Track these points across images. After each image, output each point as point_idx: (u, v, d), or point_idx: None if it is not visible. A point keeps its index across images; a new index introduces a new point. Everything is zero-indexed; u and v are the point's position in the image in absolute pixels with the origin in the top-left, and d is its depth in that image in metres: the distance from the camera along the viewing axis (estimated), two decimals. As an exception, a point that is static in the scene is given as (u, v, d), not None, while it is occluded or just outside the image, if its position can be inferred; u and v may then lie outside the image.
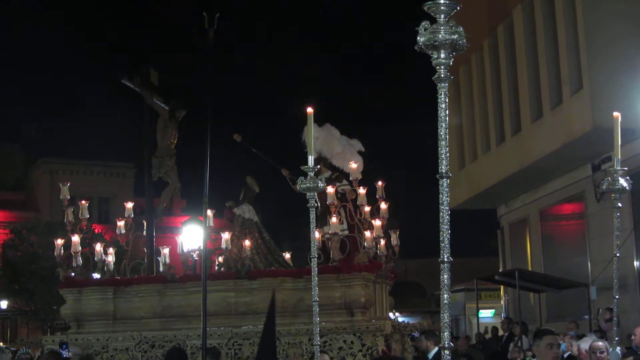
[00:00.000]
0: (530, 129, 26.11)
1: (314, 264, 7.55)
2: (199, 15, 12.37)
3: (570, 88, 23.16)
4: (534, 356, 7.96)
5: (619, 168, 7.22)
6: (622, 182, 7.25)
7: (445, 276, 3.91)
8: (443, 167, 3.88)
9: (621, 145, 7.19)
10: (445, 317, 3.94)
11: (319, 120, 16.18)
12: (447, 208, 3.89)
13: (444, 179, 3.87)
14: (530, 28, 25.97)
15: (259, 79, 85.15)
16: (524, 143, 26.48)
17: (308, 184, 7.14)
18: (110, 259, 16.11)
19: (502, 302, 34.66)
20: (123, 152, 59.95)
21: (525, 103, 26.46)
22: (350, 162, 15.79)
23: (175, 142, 17.34)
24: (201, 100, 13.57)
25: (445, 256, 3.89)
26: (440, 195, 3.88)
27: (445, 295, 3.93)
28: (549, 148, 24.46)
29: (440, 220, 3.89)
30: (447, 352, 3.90)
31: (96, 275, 16.67)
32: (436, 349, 12.78)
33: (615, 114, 7.32)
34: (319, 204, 7.55)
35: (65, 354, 13.90)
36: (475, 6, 27.15)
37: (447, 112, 3.85)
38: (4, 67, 73.55)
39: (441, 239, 3.91)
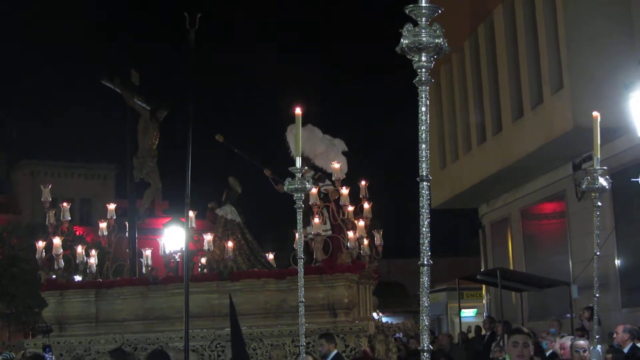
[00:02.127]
0: (511, 128, 26.17)
1: (300, 264, 7.54)
2: (180, 15, 12.37)
3: (551, 87, 23.22)
4: None
5: (599, 167, 7.26)
6: (602, 181, 7.29)
7: (425, 279, 3.88)
8: (423, 170, 3.85)
9: (601, 145, 7.23)
10: (425, 320, 3.90)
11: (302, 121, 16.17)
12: (427, 211, 3.86)
13: (424, 182, 3.85)
14: (511, 28, 26.03)
15: (241, 79, 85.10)
16: (505, 142, 26.54)
17: (296, 185, 7.15)
18: (93, 261, 16.06)
19: (484, 301, 34.73)
20: (104, 154, 59.89)
21: (506, 102, 26.52)
22: (333, 162, 15.78)
23: (156, 143, 17.29)
24: (182, 101, 13.60)
25: (425, 259, 3.86)
26: (421, 198, 3.85)
27: (425, 299, 3.90)
28: (530, 147, 24.52)
29: (420, 223, 3.86)
30: (426, 354, 3.89)
31: (78, 278, 16.62)
32: (335, 351, 12.89)
33: (595, 114, 7.36)
34: (302, 204, 7.54)
35: (48, 357, 13.84)
36: (456, 6, 27.17)
37: (428, 115, 3.84)
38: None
39: (421, 242, 3.87)
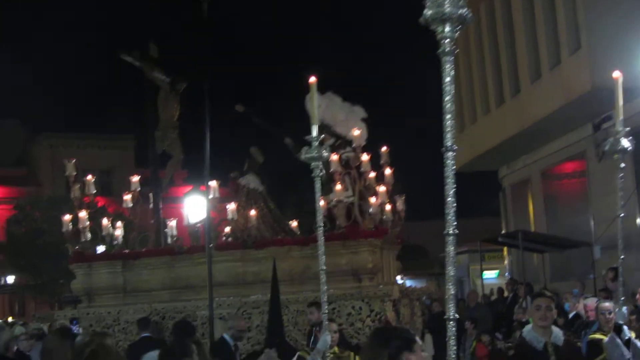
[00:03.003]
0: (529, 89, 26.15)
1: (320, 233, 7.64)
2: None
3: (569, 48, 23.18)
4: None
5: (621, 128, 7.31)
6: (625, 142, 7.35)
7: (451, 249, 3.91)
8: (448, 140, 3.89)
9: (621, 105, 7.28)
10: (451, 289, 3.95)
11: (321, 88, 16.20)
12: (452, 181, 3.87)
13: (449, 152, 3.87)
14: (527, -12, 25.96)
15: (260, 47, 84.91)
16: (524, 104, 26.52)
17: (312, 154, 7.22)
18: (119, 232, 16.20)
19: (505, 262, 34.82)
20: (123, 124, 59.90)
21: (523, 64, 26.48)
22: (353, 129, 15.83)
23: (177, 114, 17.36)
24: (200, 72, 13.68)
25: (451, 229, 3.89)
26: (445, 168, 3.87)
27: (451, 268, 3.94)
28: (548, 109, 24.50)
29: (446, 193, 3.88)
30: (452, 323, 3.95)
31: (101, 248, 16.79)
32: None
33: (616, 74, 7.39)
34: (323, 172, 7.62)
35: (75, 329, 14.06)
36: (471, -32, 27.11)
37: (453, 85, 3.89)
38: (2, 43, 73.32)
39: (447, 211, 3.89)
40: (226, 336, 12.22)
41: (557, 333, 7.77)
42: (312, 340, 12.34)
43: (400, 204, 16.75)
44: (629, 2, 21.50)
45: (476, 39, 30.58)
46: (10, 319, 39.48)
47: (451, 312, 3.95)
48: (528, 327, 8.00)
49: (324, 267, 7.65)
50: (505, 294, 24.65)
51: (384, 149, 16.23)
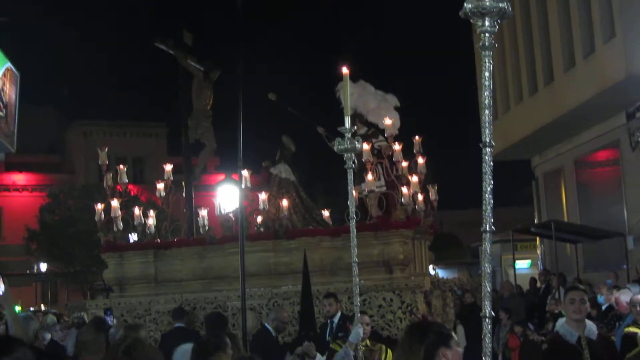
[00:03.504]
0: (562, 78, 25.97)
1: (352, 224, 7.58)
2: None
3: (603, 36, 22.99)
4: None
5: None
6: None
7: (488, 245, 3.84)
8: (487, 136, 3.81)
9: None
10: (487, 286, 3.86)
11: (354, 76, 16.12)
12: (490, 177, 3.79)
13: (487, 148, 3.79)
14: (562, -24, 25.76)
15: (293, 35, 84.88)
16: (557, 93, 26.35)
17: (346, 145, 7.18)
18: (151, 222, 16.22)
19: (538, 252, 34.65)
20: (155, 112, 60.11)
21: (557, 52, 26.30)
22: (385, 118, 15.76)
23: (210, 103, 17.36)
24: (233, 61, 13.65)
25: (488, 225, 3.81)
26: (483, 165, 3.78)
27: (487, 265, 3.87)
28: (582, 97, 24.32)
29: (483, 189, 3.80)
30: (487, 321, 3.85)
31: (133, 237, 16.83)
32: (339, 312, 12.67)
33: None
34: (355, 161, 7.56)
35: (109, 320, 14.10)
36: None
37: (491, 80, 3.81)
38: (33, 31, 73.67)
39: (484, 208, 3.80)
40: (269, 327, 12.23)
41: (591, 327, 7.71)
42: (327, 332, 12.32)
43: (433, 194, 16.65)
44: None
45: (510, 27, 30.38)
46: (42, 307, 39.77)
47: (487, 309, 3.86)
48: (561, 320, 7.93)
49: (356, 260, 7.60)
50: (538, 284, 24.52)
51: (416, 137, 16.13)
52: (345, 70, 7.31)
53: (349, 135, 7.15)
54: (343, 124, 7.16)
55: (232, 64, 13.80)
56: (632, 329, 9.59)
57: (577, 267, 26.43)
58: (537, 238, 33.05)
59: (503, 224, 30.93)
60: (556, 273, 22.23)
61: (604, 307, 16.44)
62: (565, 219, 28.95)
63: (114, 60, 78.31)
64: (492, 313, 3.91)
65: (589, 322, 7.77)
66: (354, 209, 7.67)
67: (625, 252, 23.77)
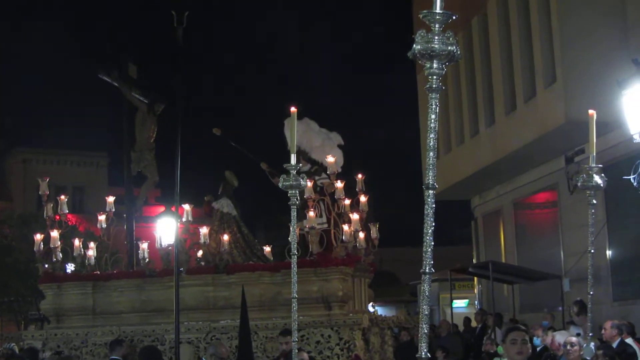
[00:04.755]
0: (504, 121, 26.26)
1: (293, 260, 7.63)
2: (168, 14, 12.49)
3: (544, 81, 23.33)
4: None
5: (594, 165, 7.35)
6: (597, 179, 7.39)
7: (427, 287, 3.83)
8: (430, 178, 3.87)
9: (595, 142, 7.32)
10: (424, 328, 3.86)
11: (298, 114, 16.16)
12: (432, 219, 3.81)
13: (430, 190, 3.85)
14: (504, 21, 26.11)
15: (240, 75, 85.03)
16: (498, 135, 26.64)
17: (291, 182, 7.23)
18: (91, 253, 16.13)
19: (475, 292, 34.88)
20: (96, 142, 59.71)
21: (499, 95, 26.60)
22: (328, 156, 15.86)
23: (154, 136, 17.35)
24: (176, 96, 13.71)
25: (427, 267, 3.80)
26: (426, 207, 3.80)
27: (425, 307, 3.86)
28: (522, 140, 24.61)
29: (425, 231, 3.80)
30: None
31: (70, 267, 16.72)
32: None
33: (591, 111, 7.43)
34: (298, 198, 7.62)
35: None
36: (449, -1, 27.20)
37: (437, 122, 3.85)
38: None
39: (424, 249, 3.81)
40: None
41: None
42: None
43: (374, 232, 16.76)
44: (605, 38, 21.67)
45: (453, 68, 30.68)
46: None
47: (423, 351, 3.84)
48: (503, 361, 7.98)
49: (296, 296, 7.65)
50: (474, 324, 24.66)
51: (359, 176, 16.25)
52: (293, 109, 7.40)
53: (294, 172, 7.21)
54: (286, 160, 7.22)
55: (175, 98, 13.86)
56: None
57: (514, 308, 26.64)
58: (475, 278, 33.27)
59: (442, 263, 31.16)
60: (492, 313, 22.39)
61: (538, 349, 16.61)
62: (503, 260, 29.19)
63: (56, 89, 77.71)
64: (429, 355, 3.90)
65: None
66: (295, 245, 7.73)
67: (561, 294, 24.03)
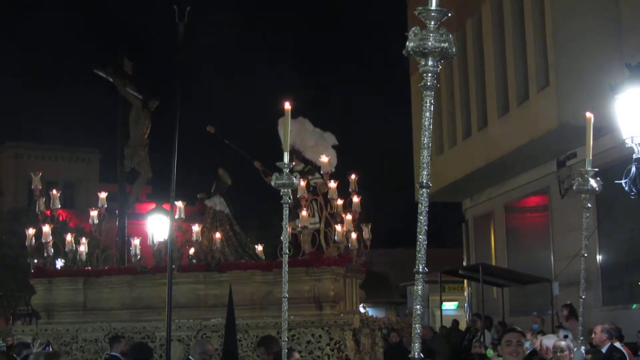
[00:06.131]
0: (496, 124, 26.31)
1: (285, 259, 7.63)
2: (169, 8, 12.45)
3: (537, 85, 23.37)
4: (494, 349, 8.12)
5: (590, 169, 7.32)
6: (593, 183, 7.36)
7: (420, 287, 3.84)
8: (424, 177, 3.86)
9: (585, 144, 7.31)
10: (417, 328, 3.86)
11: (293, 113, 16.15)
12: (425, 218, 3.78)
13: (425, 189, 3.81)
14: (499, 24, 26.15)
15: (234, 70, 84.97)
16: (490, 138, 26.67)
17: (283, 181, 7.23)
18: (83, 249, 16.09)
19: (465, 294, 34.91)
20: (88, 137, 59.66)
21: (492, 98, 26.64)
22: (322, 156, 15.85)
23: (148, 132, 17.33)
24: (172, 92, 13.69)
25: (421, 267, 3.80)
26: (419, 205, 3.77)
27: (418, 307, 3.88)
28: (514, 143, 24.66)
29: (418, 230, 3.78)
30: None
31: (60, 262, 16.68)
32: None
33: (589, 114, 7.42)
34: (290, 197, 7.62)
35: (47, 349, 13.92)
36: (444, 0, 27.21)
37: (431, 120, 3.83)
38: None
39: (418, 249, 3.79)
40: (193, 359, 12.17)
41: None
42: None
43: (366, 233, 16.77)
44: (599, 42, 21.73)
45: (446, 70, 30.71)
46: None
47: (416, 351, 3.83)
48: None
49: (287, 295, 7.65)
50: (462, 326, 24.70)
51: (352, 176, 16.24)
52: (287, 105, 7.38)
53: (287, 171, 7.21)
54: (280, 159, 7.22)
55: (171, 95, 13.84)
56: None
57: (503, 311, 26.69)
58: (465, 280, 33.30)
59: (432, 265, 31.18)
60: (482, 315, 22.44)
61: (527, 352, 16.63)
62: (494, 263, 29.24)
63: (49, 84, 77.55)
64: (422, 355, 3.88)
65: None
66: (287, 245, 7.73)
67: (551, 298, 24.07)
